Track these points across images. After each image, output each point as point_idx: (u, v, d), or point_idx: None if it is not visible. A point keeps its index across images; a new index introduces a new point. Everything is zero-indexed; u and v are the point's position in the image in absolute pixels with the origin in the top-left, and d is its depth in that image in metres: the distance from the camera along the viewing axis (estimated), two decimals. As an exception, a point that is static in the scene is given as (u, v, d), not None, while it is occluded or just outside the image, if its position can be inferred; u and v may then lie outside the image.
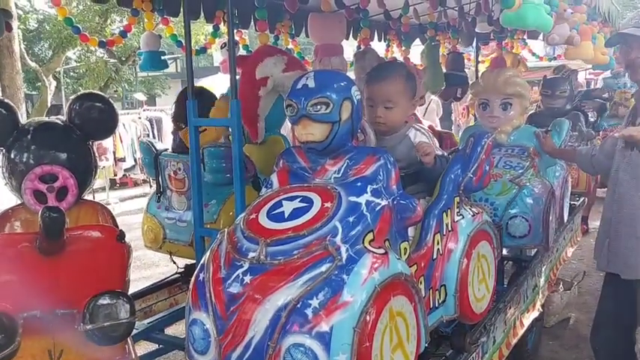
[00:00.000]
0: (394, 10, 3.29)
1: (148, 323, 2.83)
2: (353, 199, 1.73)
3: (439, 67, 4.04)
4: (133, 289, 2.46)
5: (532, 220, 2.94)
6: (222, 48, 3.89)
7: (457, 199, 2.14)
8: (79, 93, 2.23)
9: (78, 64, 18.92)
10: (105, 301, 1.73)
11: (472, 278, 2.12)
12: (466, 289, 2.08)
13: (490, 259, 2.28)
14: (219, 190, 2.73)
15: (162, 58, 3.31)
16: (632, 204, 2.46)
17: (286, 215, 1.72)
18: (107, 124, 2.20)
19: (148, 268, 5.83)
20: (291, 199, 1.79)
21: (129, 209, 9.31)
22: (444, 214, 2.06)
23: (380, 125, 2.22)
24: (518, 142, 3.26)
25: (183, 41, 2.79)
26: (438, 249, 2.03)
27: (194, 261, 2.74)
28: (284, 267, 1.56)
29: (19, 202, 2.06)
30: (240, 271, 1.60)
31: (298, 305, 1.48)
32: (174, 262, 3.20)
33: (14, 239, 1.81)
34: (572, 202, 4.28)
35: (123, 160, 10.97)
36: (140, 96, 15.81)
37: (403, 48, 4.19)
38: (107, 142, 9.86)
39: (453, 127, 8.60)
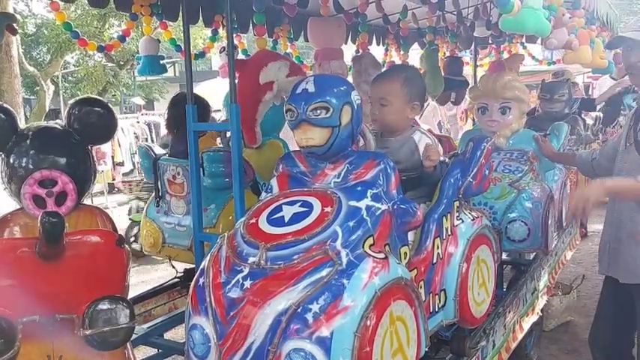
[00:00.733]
0: (393, 14, 3.30)
1: (148, 328, 2.82)
2: (353, 203, 1.73)
3: (439, 72, 4.05)
4: (132, 294, 2.45)
5: (531, 224, 2.95)
6: (221, 52, 3.89)
7: (457, 203, 2.14)
8: (78, 97, 2.22)
9: (76, 69, 18.92)
10: (104, 306, 1.72)
11: (472, 282, 2.12)
12: (466, 294, 2.08)
13: (490, 263, 2.29)
14: (219, 195, 2.72)
15: (161, 62, 3.31)
16: (633, 208, 2.46)
17: (286, 220, 1.72)
18: (106, 129, 2.18)
19: (147, 272, 5.81)
20: (291, 203, 1.79)
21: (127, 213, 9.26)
22: (444, 219, 2.06)
23: (374, 122, 2.26)
24: (517, 146, 3.27)
25: (181, 45, 2.79)
26: (438, 253, 2.03)
27: (193, 265, 2.74)
28: (284, 272, 1.56)
29: (18, 206, 2.05)
30: (240, 275, 1.60)
31: (299, 310, 1.47)
32: (174, 267, 3.19)
33: (13, 244, 1.79)
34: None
35: (121, 164, 10.95)
36: (138, 100, 15.76)
37: (402, 52, 4.22)
38: (106, 147, 9.82)
39: (442, 131, 8.60)
